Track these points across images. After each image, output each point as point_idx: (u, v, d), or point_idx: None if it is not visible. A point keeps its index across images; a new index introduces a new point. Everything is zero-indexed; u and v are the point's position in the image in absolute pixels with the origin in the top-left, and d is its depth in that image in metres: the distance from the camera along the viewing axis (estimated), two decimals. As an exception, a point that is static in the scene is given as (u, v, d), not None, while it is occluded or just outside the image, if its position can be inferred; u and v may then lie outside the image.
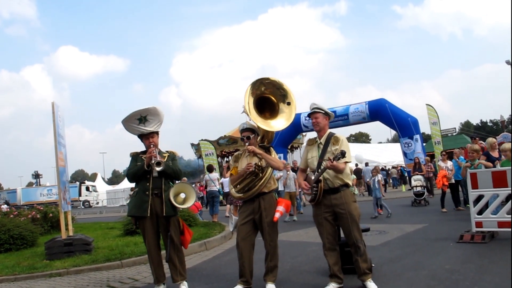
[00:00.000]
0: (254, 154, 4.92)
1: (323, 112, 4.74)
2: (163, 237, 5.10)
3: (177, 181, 5.42)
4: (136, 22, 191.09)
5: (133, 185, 5.46)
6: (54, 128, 7.79)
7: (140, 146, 5.28)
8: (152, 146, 5.08)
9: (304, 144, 30.22)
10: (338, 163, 4.36)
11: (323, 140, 4.70)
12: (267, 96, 5.17)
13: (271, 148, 5.07)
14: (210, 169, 14.57)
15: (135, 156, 5.20)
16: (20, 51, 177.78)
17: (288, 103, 5.12)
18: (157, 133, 5.24)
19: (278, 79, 5.13)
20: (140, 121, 5.13)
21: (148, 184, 5.01)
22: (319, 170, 4.51)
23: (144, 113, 5.10)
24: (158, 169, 4.88)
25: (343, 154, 4.30)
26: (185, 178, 15.48)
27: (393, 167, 31.04)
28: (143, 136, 5.19)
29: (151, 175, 5.01)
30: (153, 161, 4.89)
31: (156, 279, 5.07)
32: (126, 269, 6.87)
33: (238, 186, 4.97)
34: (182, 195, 5.11)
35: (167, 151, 5.33)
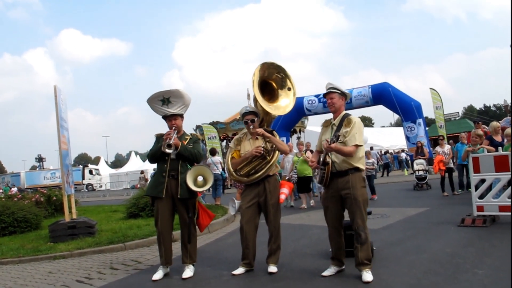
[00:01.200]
0: (263, 137, 4.90)
1: (339, 92, 4.57)
2: (179, 219, 5.15)
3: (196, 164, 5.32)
4: (138, 5, 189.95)
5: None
6: (57, 111, 7.79)
7: (158, 129, 5.28)
8: (173, 128, 5.10)
9: (308, 125, 30.14)
10: (341, 147, 4.25)
11: (336, 121, 4.53)
12: (270, 81, 5.15)
13: (275, 132, 5.07)
14: (213, 152, 14.58)
15: (158, 138, 5.21)
16: (22, 34, 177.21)
17: (289, 89, 5.11)
18: (181, 115, 5.22)
19: (286, 70, 5.11)
20: (163, 103, 5.13)
21: (165, 165, 5.05)
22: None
23: (166, 95, 5.10)
24: (168, 151, 4.89)
25: (337, 137, 4.20)
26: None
27: (385, 153, 30.75)
28: (166, 118, 5.20)
29: (169, 157, 5.03)
30: (166, 143, 4.91)
31: (164, 260, 5.10)
32: (129, 251, 6.94)
33: (242, 169, 4.95)
34: (200, 178, 5.10)
35: (191, 134, 5.35)
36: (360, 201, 4.33)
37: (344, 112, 4.60)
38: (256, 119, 5.01)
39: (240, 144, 5.13)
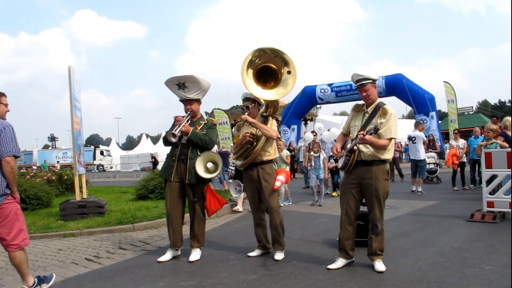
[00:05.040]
0: (249, 123, 4.95)
1: (371, 80, 4.33)
2: (188, 203, 5.21)
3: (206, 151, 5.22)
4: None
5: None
6: (70, 91, 7.84)
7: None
8: (188, 113, 5.14)
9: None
10: (375, 140, 4.09)
11: (370, 109, 4.35)
12: (269, 65, 5.03)
13: (269, 118, 5.03)
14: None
15: (174, 121, 5.27)
16: (39, 14, 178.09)
17: (289, 72, 4.99)
18: (197, 100, 5.23)
19: (279, 48, 4.92)
20: (179, 87, 5.15)
21: (176, 150, 5.11)
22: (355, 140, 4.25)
23: (181, 80, 5.11)
24: (173, 139, 4.91)
25: (375, 130, 4.03)
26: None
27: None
28: (183, 102, 5.23)
29: (180, 141, 5.07)
30: (173, 130, 4.93)
31: (172, 243, 5.15)
32: (138, 232, 7.02)
33: (236, 154, 5.11)
34: (210, 165, 5.12)
35: (207, 119, 5.38)
36: (380, 193, 4.26)
37: (379, 100, 4.42)
38: (252, 105, 5.04)
39: (239, 130, 5.24)
